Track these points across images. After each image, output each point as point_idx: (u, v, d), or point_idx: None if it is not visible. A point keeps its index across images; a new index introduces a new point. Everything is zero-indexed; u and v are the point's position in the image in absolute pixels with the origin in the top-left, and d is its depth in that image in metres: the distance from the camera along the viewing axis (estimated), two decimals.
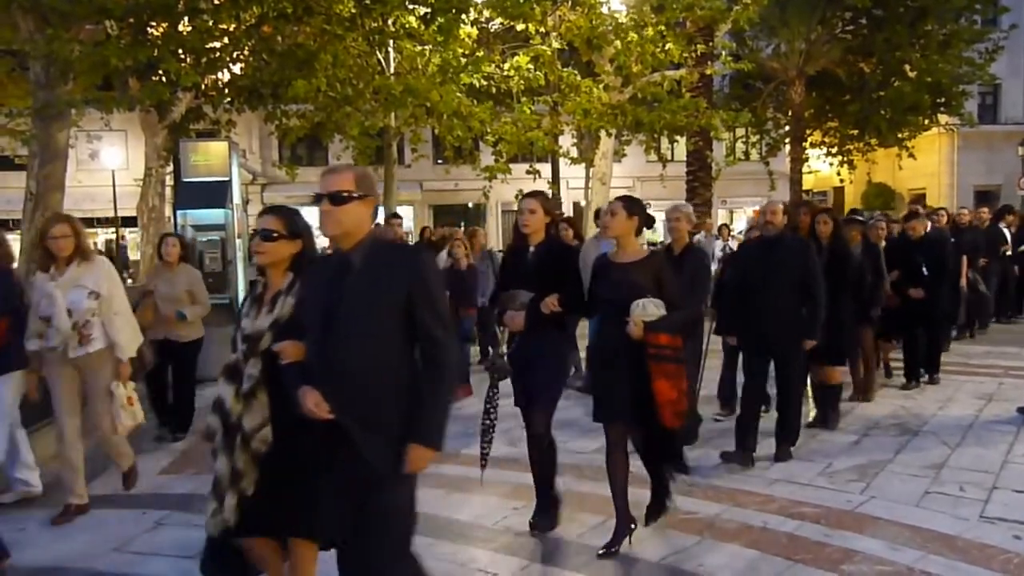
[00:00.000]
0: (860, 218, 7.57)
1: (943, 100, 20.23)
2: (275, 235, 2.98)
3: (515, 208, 4.81)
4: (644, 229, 4.18)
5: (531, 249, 4.25)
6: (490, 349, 4.28)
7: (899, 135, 20.67)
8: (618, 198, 4.29)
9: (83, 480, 4.82)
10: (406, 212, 26.52)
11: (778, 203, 5.56)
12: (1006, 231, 11.73)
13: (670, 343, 3.87)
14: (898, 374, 7.87)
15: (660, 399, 3.83)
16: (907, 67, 19.47)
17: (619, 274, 4.06)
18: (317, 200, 2.62)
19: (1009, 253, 11.55)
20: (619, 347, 3.92)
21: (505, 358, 4.23)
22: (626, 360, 3.90)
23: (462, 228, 14.65)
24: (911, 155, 20.99)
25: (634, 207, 4.11)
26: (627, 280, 3.99)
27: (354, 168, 2.73)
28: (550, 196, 4.42)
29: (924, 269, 7.50)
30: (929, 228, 8.34)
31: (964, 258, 9.96)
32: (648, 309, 3.85)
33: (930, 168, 28.40)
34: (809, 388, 6.47)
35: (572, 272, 4.21)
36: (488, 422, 4.26)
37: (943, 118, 22.07)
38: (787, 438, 5.55)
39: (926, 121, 21.05)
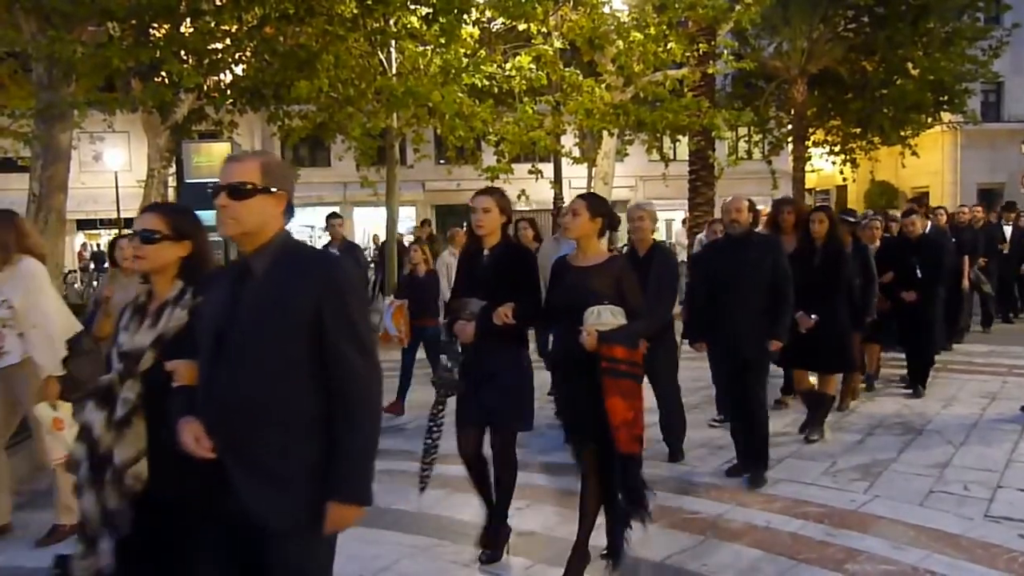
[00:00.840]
0: (851, 218, 7.16)
1: (946, 98, 20.17)
2: (157, 236, 2.53)
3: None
4: (608, 231, 3.87)
5: (485, 252, 3.91)
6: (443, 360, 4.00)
7: (902, 133, 20.62)
8: (581, 196, 3.93)
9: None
10: (408, 212, 26.60)
11: (743, 199, 5.16)
12: (1006, 229, 11.65)
13: (626, 356, 3.50)
14: (880, 385, 7.68)
15: (614, 420, 3.44)
16: (909, 65, 19.41)
17: (576, 278, 3.73)
18: (215, 193, 2.22)
19: (1006, 252, 11.41)
20: (577, 359, 3.56)
21: (456, 372, 3.87)
22: (585, 374, 3.53)
23: (464, 227, 14.67)
24: (914, 153, 20.95)
25: (599, 207, 3.79)
26: (584, 285, 3.65)
27: (261, 155, 2.30)
28: (503, 193, 4.03)
29: (919, 271, 7.18)
30: (929, 227, 8.14)
31: (966, 258, 9.84)
32: (603, 317, 3.50)
33: (933, 166, 28.35)
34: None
35: (529, 278, 3.87)
36: (430, 441, 3.92)
37: (946, 116, 22.00)
38: (758, 463, 5.05)
39: (929, 119, 20.99)
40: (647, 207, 5.36)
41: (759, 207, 5.43)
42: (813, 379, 6.14)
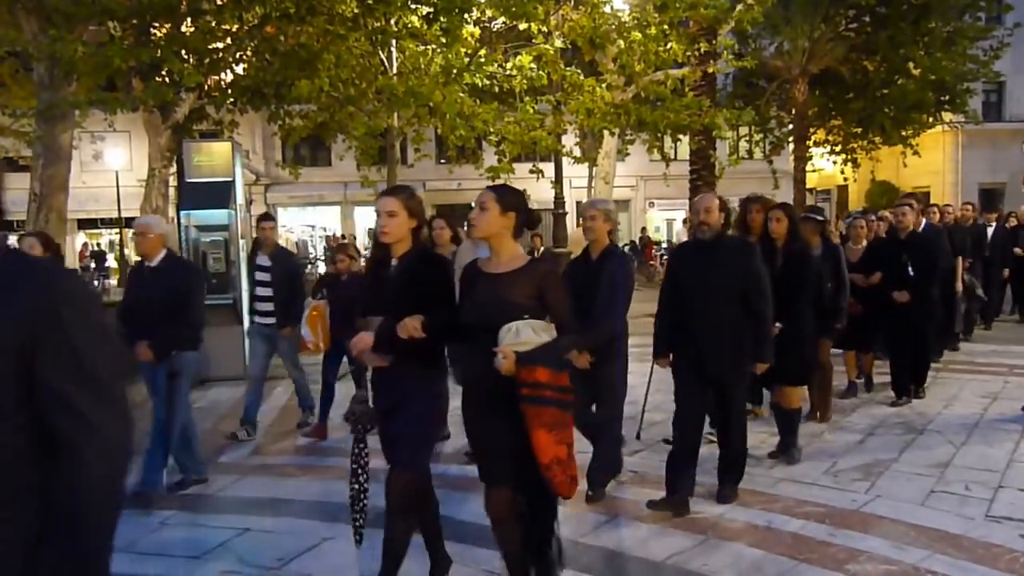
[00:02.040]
0: (819, 216, 6.70)
1: (947, 98, 20.20)
2: None
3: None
4: (525, 229, 3.32)
5: (394, 262, 3.39)
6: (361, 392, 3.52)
7: (903, 133, 20.63)
8: (490, 187, 3.33)
9: None
10: None
11: (712, 197, 4.57)
12: (988, 230, 11.52)
13: (550, 380, 2.91)
14: (881, 387, 7.40)
15: (543, 459, 2.88)
16: (911, 65, 19.42)
17: (487, 287, 3.14)
18: None
19: (987, 254, 11.25)
20: (490, 385, 3.02)
21: (370, 402, 3.37)
22: (502, 405, 2.98)
23: (465, 228, 14.64)
24: (915, 153, 20.96)
25: (510, 200, 3.19)
26: (497, 296, 3.07)
27: None
28: (414, 192, 3.53)
29: (911, 270, 6.83)
30: (924, 225, 7.61)
31: (959, 260, 9.20)
32: (523, 334, 2.93)
33: (934, 166, 28.34)
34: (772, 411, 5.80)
35: (444, 290, 3.34)
36: (357, 486, 3.39)
37: (947, 116, 22.02)
38: (732, 477, 4.74)
39: (930, 119, 21.02)
40: (601, 205, 4.74)
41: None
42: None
